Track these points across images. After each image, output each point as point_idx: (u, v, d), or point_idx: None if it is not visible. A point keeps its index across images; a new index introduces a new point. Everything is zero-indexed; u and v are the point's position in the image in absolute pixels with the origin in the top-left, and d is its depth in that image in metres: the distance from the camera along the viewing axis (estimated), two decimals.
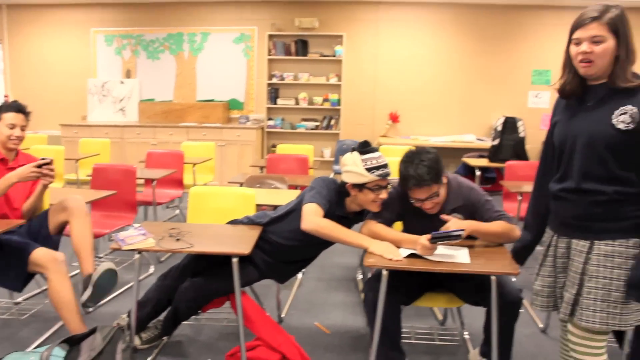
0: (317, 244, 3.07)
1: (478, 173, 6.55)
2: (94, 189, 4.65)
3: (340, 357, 3.30)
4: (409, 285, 2.89)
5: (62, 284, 3.02)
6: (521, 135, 6.91)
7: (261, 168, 5.81)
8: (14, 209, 3.35)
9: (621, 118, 2.08)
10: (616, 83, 2.09)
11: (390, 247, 2.67)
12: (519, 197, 4.70)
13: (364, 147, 2.90)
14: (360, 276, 4.66)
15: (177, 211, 6.70)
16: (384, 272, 2.59)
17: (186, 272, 3.08)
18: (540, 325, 3.76)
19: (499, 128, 6.98)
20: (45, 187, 3.33)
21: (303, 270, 4.71)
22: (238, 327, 2.86)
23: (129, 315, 3.24)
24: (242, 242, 2.82)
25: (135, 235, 2.80)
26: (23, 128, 3.35)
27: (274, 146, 8.49)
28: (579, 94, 2.21)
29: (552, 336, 3.63)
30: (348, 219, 3.05)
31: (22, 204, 3.39)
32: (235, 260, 2.73)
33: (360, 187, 2.87)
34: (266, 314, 3.09)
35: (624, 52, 2.08)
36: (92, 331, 2.77)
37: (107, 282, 3.05)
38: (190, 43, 8.71)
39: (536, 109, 8.46)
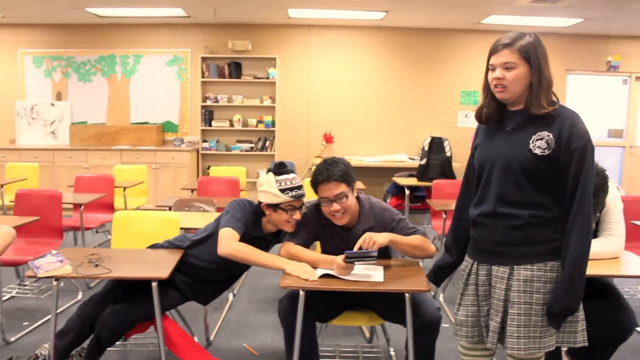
0: (236, 266, 3.10)
1: (407, 192, 6.73)
2: (18, 215, 4.55)
3: None
4: (326, 304, 2.96)
5: None
6: (447, 154, 7.16)
7: (192, 191, 5.80)
8: None
9: (537, 144, 2.11)
10: (530, 110, 2.13)
11: (306, 267, 2.74)
12: (444, 215, 4.86)
13: (279, 169, 2.98)
14: None
15: (109, 236, 6.58)
16: (301, 293, 2.65)
17: (107, 299, 3.05)
18: None
19: (426, 148, 7.20)
20: None
21: (234, 292, 4.74)
22: (159, 348, 2.86)
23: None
24: (162, 266, 2.84)
25: (52, 262, 2.77)
26: None
27: (209, 168, 8.49)
28: (496, 118, 2.25)
29: None
30: (265, 239, 3.11)
31: None
32: (154, 284, 2.74)
33: (275, 207, 2.94)
34: (190, 337, 3.10)
35: (537, 79, 2.11)
36: None
37: None
38: (123, 65, 8.64)
39: (466, 129, 8.75)
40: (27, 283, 4.87)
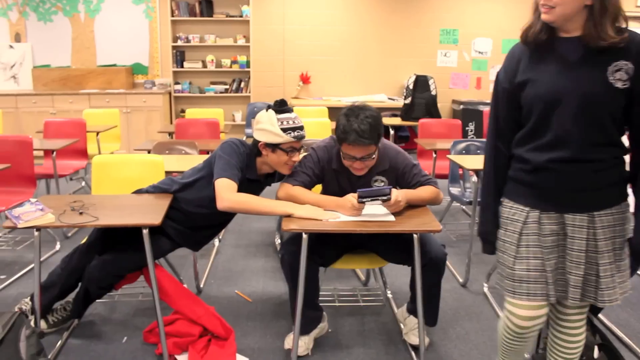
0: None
1: (392, 132, 6.57)
2: None
3: (262, 324, 3.21)
4: (327, 247, 2.82)
5: None
6: (433, 93, 6.98)
7: (170, 134, 5.55)
8: None
9: (617, 75, 1.80)
10: (593, 40, 1.80)
11: (316, 209, 2.58)
12: (434, 155, 4.73)
13: (281, 106, 2.77)
14: (278, 240, 4.57)
15: (83, 183, 6.32)
16: (304, 236, 2.50)
17: (93, 250, 2.85)
18: (461, 280, 3.83)
19: (411, 86, 7.01)
20: None
21: (219, 237, 4.57)
22: (154, 301, 2.69)
23: (31, 299, 2.99)
24: (152, 212, 2.64)
25: (32, 212, 2.55)
26: None
27: (183, 111, 8.19)
28: (542, 40, 1.90)
29: (472, 290, 3.70)
30: (259, 182, 2.92)
31: None
32: (145, 231, 2.55)
33: (274, 147, 2.74)
34: (183, 286, 2.94)
35: (598, 1, 1.76)
36: None
37: None
38: (86, 4, 8.13)
39: (445, 68, 8.57)
40: (0, 234, 4.63)
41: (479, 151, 4.56)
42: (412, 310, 3.04)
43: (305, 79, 8.33)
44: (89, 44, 8.23)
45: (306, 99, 8.32)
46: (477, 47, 8.58)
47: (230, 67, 8.10)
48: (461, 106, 8.16)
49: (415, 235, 2.55)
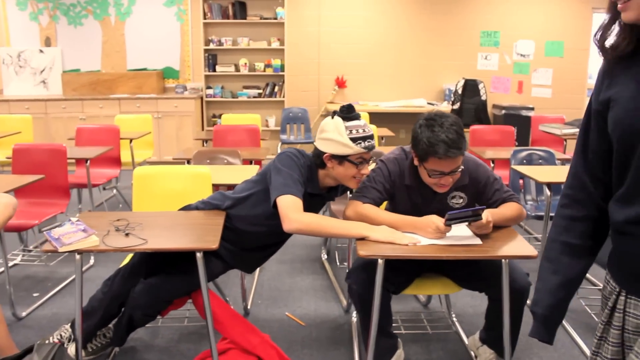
0: None
1: None
2: (17, 173, 4.03)
3: (320, 353, 2.91)
4: (398, 272, 2.52)
5: None
6: (483, 97, 6.64)
7: (205, 141, 5.29)
8: None
9: None
10: None
11: (393, 232, 2.28)
12: (492, 164, 4.40)
13: (349, 113, 2.47)
14: (325, 256, 4.27)
15: (114, 191, 6.09)
16: (380, 262, 2.20)
17: (137, 273, 2.57)
18: (528, 302, 3.50)
19: (460, 91, 6.67)
20: None
21: None
22: (207, 331, 2.41)
23: (71, 326, 2.72)
24: (206, 233, 2.36)
25: (73, 232, 2.28)
26: None
27: (215, 116, 7.95)
28: (629, 50, 1.26)
29: None
30: (321, 196, 2.63)
31: None
32: (199, 255, 2.27)
33: (341, 159, 2.44)
34: (236, 312, 2.66)
35: None
36: (28, 351, 2.27)
37: None
38: (117, 7, 7.94)
39: (485, 72, 8.22)
40: (31, 248, 4.39)
41: (541, 161, 4.23)
42: (485, 340, 2.73)
43: (341, 83, 8.04)
44: (119, 47, 8.03)
45: (342, 103, 7.99)
46: (519, 49, 8.22)
47: (264, 70, 7.83)
48: (503, 111, 7.79)
49: (504, 261, 2.24)
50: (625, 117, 1.24)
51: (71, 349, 2.59)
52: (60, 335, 2.74)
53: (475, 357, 2.80)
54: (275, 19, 7.72)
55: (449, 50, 8.16)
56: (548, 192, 3.41)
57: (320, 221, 2.32)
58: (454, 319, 3.26)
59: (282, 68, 7.81)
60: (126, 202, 5.69)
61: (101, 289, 2.65)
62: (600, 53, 1.30)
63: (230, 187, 3.26)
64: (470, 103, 6.52)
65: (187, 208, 2.74)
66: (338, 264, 4.14)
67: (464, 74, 8.01)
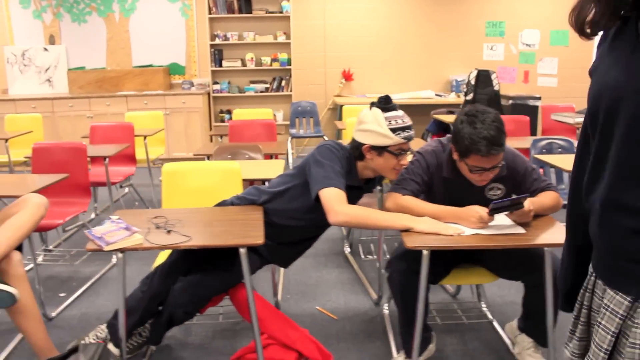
0: (326, 222, 2.65)
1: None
2: (37, 172, 4.01)
3: (356, 346, 2.91)
4: (437, 263, 2.51)
5: (22, 289, 2.47)
6: (496, 87, 6.63)
7: (220, 136, 5.26)
8: None
9: None
10: None
11: (437, 223, 2.27)
12: None
13: (387, 103, 2.47)
14: (347, 249, 4.27)
15: (127, 189, 6.07)
16: (425, 253, 2.19)
17: (176, 271, 2.56)
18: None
19: (472, 81, 6.65)
20: None
21: None
22: (252, 329, 2.41)
23: (108, 327, 2.70)
24: (249, 228, 2.35)
25: (115, 231, 2.27)
26: None
27: (222, 112, 7.92)
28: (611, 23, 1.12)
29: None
30: (360, 188, 2.62)
31: None
32: (243, 251, 2.26)
33: (381, 150, 2.43)
34: (274, 307, 2.65)
35: None
36: (72, 351, 2.26)
37: None
38: (121, 3, 7.88)
39: (491, 62, 8.19)
40: (51, 248, 4.37)
41: (560, 150, 4.23)
42: (524, 329, 2.73)
43: (347, 76, 8.01)
44: (124, 44, 7.98)
45: (349, 96, 7.99)
46: (524, 39, 8.19)
47: (271, 65, 7.79)
48: (510, 101, 7.78)
49: (546, 249, 2.24)
50: (591, 90, 1.18)
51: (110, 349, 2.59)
52: (96, 335, 2.73)
53: (513, 344, 2.81)
54: (281, 12, 7.69)
55: (454, 41, 8.15)
56: None
57: (366, 213, 2.31)
58: (484, 308, 3.27)
59: (288, 62, 7.78)
60: (142, 200, 5.66)
61: (139, 287, 2.63)
62: (579, 32, 1.16)
63: (261, 181, 3.25)
64: (484, 94, 6.50)
65: (222, 204, 2.73)
66: (362, 256, 4.14)
67: (470, 65, 7.99)
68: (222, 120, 7.90)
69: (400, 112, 2.46)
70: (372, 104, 2.50)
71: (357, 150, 2.49)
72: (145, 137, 5.31)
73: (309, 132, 7.27)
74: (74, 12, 7.92)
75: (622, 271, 1.14)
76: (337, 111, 8.00)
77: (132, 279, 3.81)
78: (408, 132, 2.42)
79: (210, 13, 7.66)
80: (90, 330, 2.82)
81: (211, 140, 6.15)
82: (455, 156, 2.40)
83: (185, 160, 3.24)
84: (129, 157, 5.11)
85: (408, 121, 2.45)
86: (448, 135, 2.50)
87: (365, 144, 2.44)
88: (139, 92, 7.59)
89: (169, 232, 2.32)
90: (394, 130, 2.39)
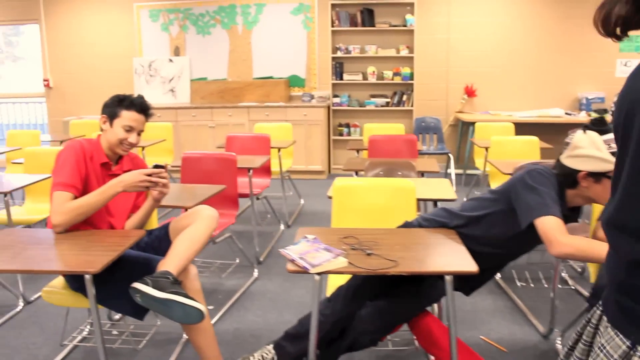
0: (525, 250, 2.45)
1: None
2: (186, 182, 4.03)
3: None
4: None
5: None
6: None
7: (357, 151, 5.15)
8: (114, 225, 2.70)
9: None
10: None
11: None
12: None
13: (602, 126, 2.24)
14: (498, 274, 4.02)
15: (257, 200, 6.06)
16: None
17: (362, 295, 2.42)
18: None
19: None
20: (157, 202, 2.68)
21: None
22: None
23: (275, 347, 2.60)
24: (454, 254, 2.18)
25: (314, 252, 2.16)
26: (140, 133, 2.70)
27: (341, 125, 7.85)
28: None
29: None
30: (566, 217, 2.40)
31: (124, 220, 2.74)
32: (449, 278, 2.09)
33: (599, 176, 2.21)
34: (459, 338, 2.46)
35: None
36: None
37: (177, 312, 2.19)
38: (244, 16, 8.00)
39: (624, 79, 7.70)
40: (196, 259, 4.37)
41: None
42: None
43: (470, 92, 7.74)
44: (245, 56, 8.08)
45: (471, 113, 7.71)
46: None
47: (392, 79, 7.65)
48: None
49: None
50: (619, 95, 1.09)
51: None
52: (262, 356, 2.63)
53: None
54: (405, 26, 7.54)
55: (584, 56, 7.70)
56: None
57: (590, 245, 2.09)
58: None
59: (411, 76, 7.60)
60: (274, 212, 5.63)
61: (320, 309, 2.51)
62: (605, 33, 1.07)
63: (433, 202, 3.09)
64: None
65: (408, 225, 2.58)
66: (518, 283, 3.88)
67: (601, 82, 7.55)
68: (341, 134, 7.82)
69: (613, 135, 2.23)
70: (585, 127, 2.27)
71: (569, 178, 2.27)
72: (279, 149, 5.27)
73: (432, 149, 7.06)
74: (199, 24, 8.11)
75: (626, 311, 1.04)
76: (458, 127, 7.74)
77: (275, 294, 3.75)
78: None
79: (332, 26, 7.63)
80: (247, 347, 2.74)
81: (328, 155, 6.06)
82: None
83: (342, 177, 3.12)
84: (264, 169, 5.08)
85: None
86: None
87: (581, 171, 2.22)
88: (261, 104, 7.64)
89: (368, 254, 2.18)
90: (614, 154, 2.16)
